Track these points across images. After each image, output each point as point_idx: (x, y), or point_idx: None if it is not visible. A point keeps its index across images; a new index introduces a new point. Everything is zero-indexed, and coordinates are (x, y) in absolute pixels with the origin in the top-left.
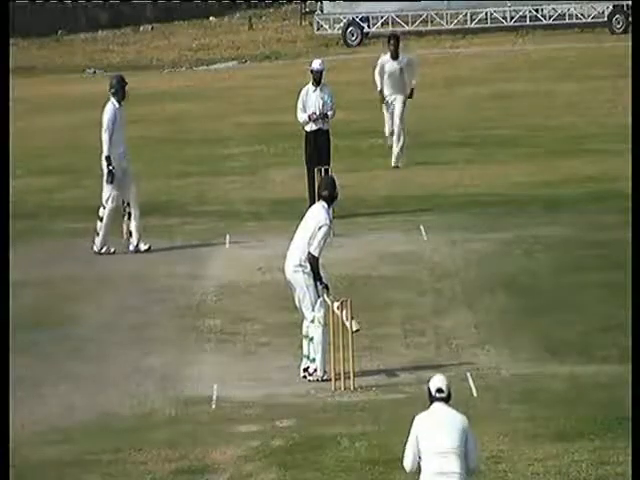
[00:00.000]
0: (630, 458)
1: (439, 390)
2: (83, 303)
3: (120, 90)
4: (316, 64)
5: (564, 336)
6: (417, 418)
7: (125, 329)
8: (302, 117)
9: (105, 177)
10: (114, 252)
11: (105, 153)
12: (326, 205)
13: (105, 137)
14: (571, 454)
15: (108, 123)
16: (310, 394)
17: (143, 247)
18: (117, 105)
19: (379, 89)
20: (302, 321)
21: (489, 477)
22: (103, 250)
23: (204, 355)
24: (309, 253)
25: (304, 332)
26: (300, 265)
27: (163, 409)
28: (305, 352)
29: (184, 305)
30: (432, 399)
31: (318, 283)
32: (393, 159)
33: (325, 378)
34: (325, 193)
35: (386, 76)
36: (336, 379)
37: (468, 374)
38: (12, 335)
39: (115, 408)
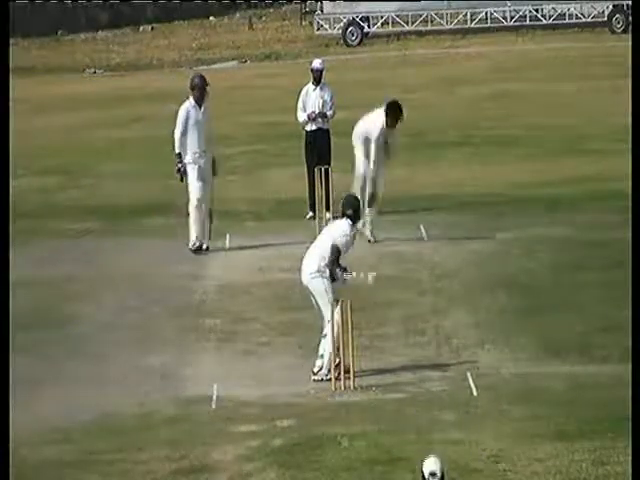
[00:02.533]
0: (630, 458)
1: (432, 474)
2: (83, 303)
3: (198, 90)
4: (316, 63)
5: (564, 336)
6: None
7: (125, 329)
8: (302, 117)
9: (180, 175)
10: (207, 249)
11: (175, 150)
12: (351, 223)
13: (176, 134)
14: (571, 454)
15: (179, 120)
16: (310, 394)
17: (204, 246)
18: (193, 104)
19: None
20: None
21: (489, 477)
22: (194, 247)
23: (204, 355)
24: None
25: (324, 332)
26: (318, 271)
27: (163, 409)
28: (321, 351)
29: (184, 305)
30: None
31: (338, 270)
32: (368, 232)
33: (327, 378)
34: (350, 212)
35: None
36: (336, 379)
37: (468, 373)
38: (12, 335)
39: (115, 408)
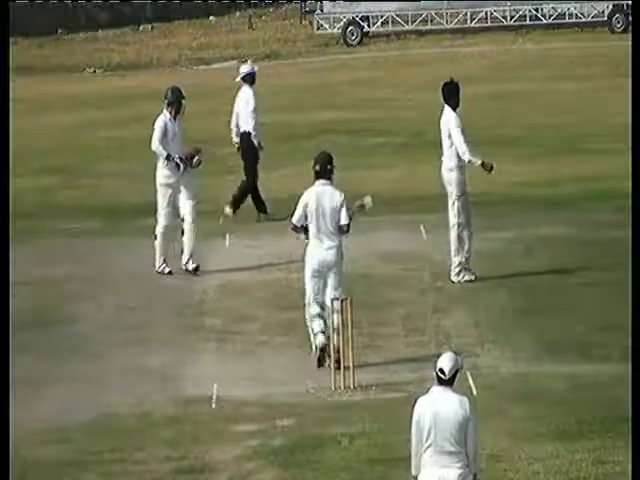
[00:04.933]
0: (630, 458)
1: (441, 371)
2: (83, 303)
3: (174, 103)
4: (249, 67)
5: (564, 336)
6: (418, 402)
7: (125, 329)
8: (255, 121)
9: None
10: (170, 272)
11: (163, 155)
12: (320, 179)
13: (156, 146)
14: (571, 453)
15: (156, 135)
16: (310, 393)
17: (191, 266)
18: (169, 117)
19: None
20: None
21: (489, 476)
22: (159, 269)
23: (204, 355)
24: (347, 225)
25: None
26: (338, 247)
27: (163, 409)
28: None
29: (184, 304)
30: (437, 378)
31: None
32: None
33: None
34: (317, 167)
35: None
36: (336, 378)
37: (468, 373)
38: (12, 335)
39: (115, 408)
